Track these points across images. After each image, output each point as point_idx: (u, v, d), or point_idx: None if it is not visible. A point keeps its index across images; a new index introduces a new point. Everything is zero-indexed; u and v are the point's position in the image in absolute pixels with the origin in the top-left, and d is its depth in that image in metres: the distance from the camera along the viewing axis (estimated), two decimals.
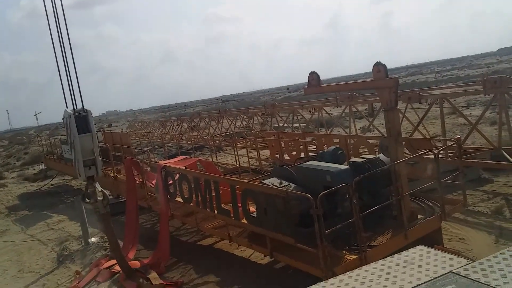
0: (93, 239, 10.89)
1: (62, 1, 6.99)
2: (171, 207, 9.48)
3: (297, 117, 19.93)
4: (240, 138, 19.76)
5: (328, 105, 18.05)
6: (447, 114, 17.98)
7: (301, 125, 20.19)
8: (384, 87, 6.35)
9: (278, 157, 12.66)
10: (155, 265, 8.62)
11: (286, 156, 12.43)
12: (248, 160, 12.68)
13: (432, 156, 7.04)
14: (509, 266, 2.50)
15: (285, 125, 22.15)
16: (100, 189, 7.58)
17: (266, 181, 6.84)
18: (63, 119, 7.35)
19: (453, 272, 2.57)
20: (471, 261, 2.70)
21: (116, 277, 8.58)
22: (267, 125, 22.88)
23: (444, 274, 2.58)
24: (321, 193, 5.35)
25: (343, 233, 5.87)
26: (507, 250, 2.70)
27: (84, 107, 7.16)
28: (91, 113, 7.24)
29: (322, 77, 7.25)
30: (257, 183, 7.24)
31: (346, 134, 14.74)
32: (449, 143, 9.83)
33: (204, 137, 23.67)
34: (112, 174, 12.88)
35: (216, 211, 7.74)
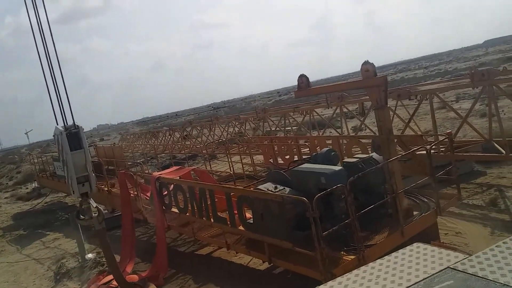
0: (89, 255, 10.78)
1: (47, 17, 6.94)
2: (167, 218, 9.43)
3: (289, 121, 19.96)
4: (233, 145, 19.74)
5: (319, 106, 18.07)
6: (437, 109, 18.09)
7: (293, 128, 20.21)
8: (373, 86, 6.37)
9: (271, 161, 12.65)
10: (153, 278, 8.56)
11: (280, 160, 12.41)
12: (242, 166, 12.67)
13: (425, 152, 7.07)
14: (505, 258, 2.50)
15: (277, 129, 22.17)
16: (94, 205, 7.51)
17: (261, 187, 6.82)
18: (54, 136, 7.27)
19: (451, 268, 2.57)
20: (468, 255, 2.71)
21: None
22: (259, 130, 22.88)
23: (442, 270, 2.58)
24: (317, 196, 5.35)
25: (340, 234, 5.87)
26: (503, 242, 2.71)
27: (75, 123, 7.10)
28: (83, 129, 7.17)
29: (311, 79, 7.27)
30: (252, 189, 7.22)
31: (338, 134, 14.76)
32: (441, 138, 9.88)
33: (197, 146, 23.61)
34: (106, 189, 12.80)
35: (212, 220, 7.71)
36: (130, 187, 10.75)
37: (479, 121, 16.73)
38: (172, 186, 8.93)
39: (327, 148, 7.74)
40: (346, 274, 2.82)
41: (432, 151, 7.02)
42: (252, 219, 6.84)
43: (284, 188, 6.54)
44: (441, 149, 11.14)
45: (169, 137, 28.70)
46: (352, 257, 5.75)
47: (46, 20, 6.93)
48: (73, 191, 7.20)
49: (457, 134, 12.01)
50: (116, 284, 8.37)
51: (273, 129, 22.39)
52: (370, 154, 7.22)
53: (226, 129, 24.34)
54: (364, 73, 6.27)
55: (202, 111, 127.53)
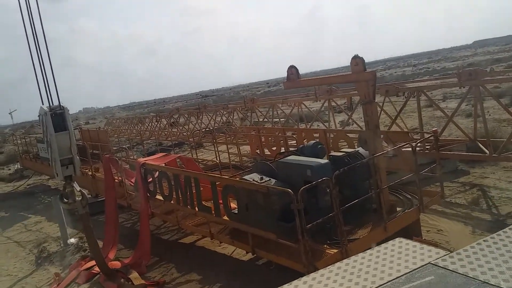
0: (72, 240, 10.70)
1: None
2: (151, 205, 9.39)
3: (277, 112, 19.97)
4: (220, 134, 19.69)
5: (308, 99, 18.11)
6: (424, 107, 18.27)
7: (281, 119, 20.23)
8: (362, 81, 6.39)
9: (258, 152, 12.65)
10: (136, 265, 8.54)
11: (267, 151, 12.42)
12: (229, 156, 12.65)
13: (410, 149, 7.14)
14: (485, 256, 2.55)
15: (265, 120, 22.16)
16: (78, 188, 7.45)
17: (246, 177, 6.83)
18: (38, 116, 7.17)
19: (432, 263, 2.61)
20: (449, 252, 2.75)
21: (96, 278, 8.46)
22: (247, 120, 22.83)
23: (423, 265, 2.62)
24: (302, 188, 5.37)
25: (324, 227, 5.91)
26: (483, 240, 2.76)
27: (61, 104, 7.00)
28: (68, 110, 7.07)
29: (301, 71, 7.27)
30: (237, 179, 7.22)
31: (325, 128, 14.81)
32: (426, 136, 9.98)
33: (184, 134, 23.49)
34: (90, 173, 12.68)
35: (197, 208, 7.70)
36: (115, 172, 10.66)
37: (465, 121, 16.95)
38: (157, 173, 8.87)
39: (314, 141, 7.77)
40: (329, 267, 2.85)
41: (417, 148, 7.08)
42: (237, 209, 6.85)
43: (270, 179, 6.56)
44: (427, 146, 11.26)
45: (156, 123, 28.51)
46: (335, 250, 5.80)
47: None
48: (57, 174, 7.12)
49: (442, 133, 12.15)
50: (98, 270, 8.34)
51: (261, 120, 22.39)
52: (357, 149, 7.26)
53: (214, 118, 24.25)
54: (354, 67, 6.28)
55: (190, 98, 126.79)
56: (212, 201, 7.27)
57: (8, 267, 10.21)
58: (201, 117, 25.59)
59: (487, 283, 2.28)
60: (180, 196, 8.11)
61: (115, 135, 28.05)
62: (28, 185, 20.79)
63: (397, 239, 3.14)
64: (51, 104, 6.94)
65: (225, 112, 23.97)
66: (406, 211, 6.87)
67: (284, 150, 10.46)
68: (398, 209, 6.99)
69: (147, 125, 29.78)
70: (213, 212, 7.29)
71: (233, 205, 6.98)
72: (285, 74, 7.22)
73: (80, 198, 7.42)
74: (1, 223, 14.67)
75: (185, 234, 9.92)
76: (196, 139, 19.86)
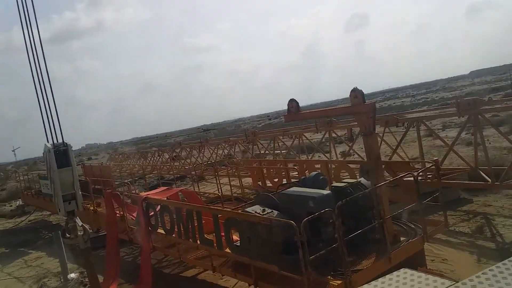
0: (72, 275, 10.57)
1: (40, 37, 7.04)
2: (153, 239, 9.32)
3: (278, 144, 20.04)
4: (222, 167, 19.71)
5: (308, 131, 18.21)
6: (424, 137, 18.33)
7: (282, 151, 20.28)
8: (362, 113, 6.46)
9: (260, 184, 12.64)
10: None
11: (269, 183, 12.41)
12: (231, 188, 12.62)
13: (412, 178, 7.14)
14: (491, 286, 2.53)
15: (267, 152, 22.21)
16: (80, 223, 7.43)
17: (249, 209, 6.80)
18: (43, 153, 7.27)
19: None
20: (454, 282, 2.73)
21: None
22: (248, 152, 22.90)
23: None
24: (304, 219, 5.35)
25: (327, 258, 5.85)
26: (489, 270, 2.74)
27: (64, 141, 7.11)
28: (71, 147, 7.18)
29: (301, 103, 7.35)
30: (240, 211, 7.19)
31: (327, 159, 14.85)
32: (428, 165, 9.99)
33: (186, 167, 23.51)
34: (91, 208, 12.63)
35: (199, 242, 7.63)
36: (117, 207, 10.63)
37: (465, 149, 16.97)
38: (159, 206, 8.85)
39: (316, 172, 7.78)
40: None
41: (419, 177, 7.09)
42: (239, 241, 6.79)
43: (272, 211, 6.53)
44: (428, 176, 11.25)
45: (158, 157, 28.59)
46: (339, 281, 5.71)
47: (38, 39, 7.04)
48: (59, 209, 7.13)
49: (443, 162, 12.16)
50: None
51: (263, 152, 22.45)
52: (358, 179, 7.26)
53: (216, 151, 24.33)
54: (353, 99, 6.35)
55: (192, 132, 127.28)
56: (214, 234, 7.21)
57: None
58: (203, 150, 25.68)
59: None
60: (182, 230, 8.06)
61: (118, 170, 28.08)
62: (29, 221, 20.64)
63: (402, 270, 3.11)
64: (54, 142, 7.05)
65: (226, 145, 24.07)
66: (410, 241, 6.80)
67: (286, 182, 10.45)
68: (402, 239, 6.93)
69: (149, 159, 29.85)
70: (215, 245, 7.22)
71: (236, 237, 6.93)
72: (285, 107, 7.30)
73: (81, 233, 7.39)
74: (1, 259, 14.50)
75: (187, 268, 9.79)
76: (198, 172, 19.86)
